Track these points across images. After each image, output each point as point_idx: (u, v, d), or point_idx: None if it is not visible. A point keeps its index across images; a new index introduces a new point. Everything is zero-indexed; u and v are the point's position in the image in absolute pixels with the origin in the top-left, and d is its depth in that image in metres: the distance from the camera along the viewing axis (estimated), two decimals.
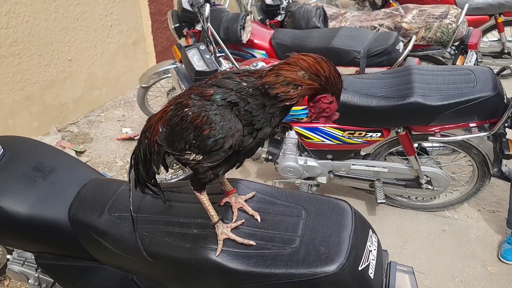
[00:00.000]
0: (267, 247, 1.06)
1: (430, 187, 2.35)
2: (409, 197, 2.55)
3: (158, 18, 4.44)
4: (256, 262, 1.03)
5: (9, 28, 3.03)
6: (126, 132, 3.60)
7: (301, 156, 2.44)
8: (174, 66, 2.43)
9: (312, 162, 2.41)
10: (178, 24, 2.97)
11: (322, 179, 2.45)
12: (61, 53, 3.51)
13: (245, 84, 0.94)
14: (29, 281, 1.54)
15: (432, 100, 1.94)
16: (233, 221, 1.12)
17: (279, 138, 2.53)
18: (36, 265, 1.48)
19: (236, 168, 1.06)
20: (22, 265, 1.52)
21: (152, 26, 4.42)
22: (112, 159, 3.27)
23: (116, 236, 1.17)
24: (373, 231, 1.15)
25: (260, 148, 2.13)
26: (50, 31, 3.36)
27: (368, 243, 1.09)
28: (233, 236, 1.07)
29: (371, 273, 1.05)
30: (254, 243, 1.06)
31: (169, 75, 3.18)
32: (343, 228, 1.08)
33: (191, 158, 0.97)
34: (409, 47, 2.60)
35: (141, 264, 1.16)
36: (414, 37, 2.73)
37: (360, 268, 1.03)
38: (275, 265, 1.02)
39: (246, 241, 1.06)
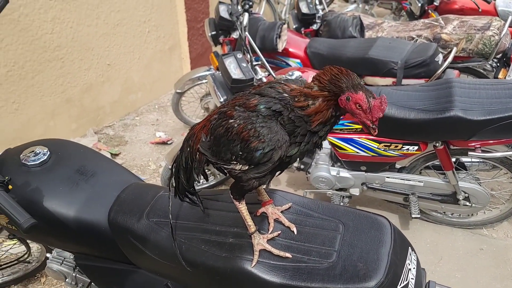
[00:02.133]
0: (303, 260, 1.05)
1: (468, 203, 2.28)
2: (444, 212, 2.48)
3: (194, 25, 4.52)
4: (292, 275, 1.02)
5: (54, 33, 3.15)
6: (160, 136, 3.67)
7: (334, 166, 2.41)
8: (210, 73, 2.46)
9: (345, 173, 2.38)
10: (214, 32, 3.01)
11: (355, 191, 2.42)
12: (100, 57, 3.61)
13: (286, 95, 0.94)
14: (67, 280, 1.58)
15: (473, 114, 1.89)
16: (269, 232, 1.12)
17: (312, 148, 2.51)
18: (74, 265, 1.52)
19: (278, 175, 1.07)
20: (61, 264, 1.56)
21: (188, 33, 4.49)
22: (146, 162, 3.33)
23: (154, 241, 1.19)
24: (412, 249, 1.13)
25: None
26: (91, 37, 3.47)
27: (407, 261, 1.07)
28: (269, 247, 1.07)
29: None
30: (290, 256, 1.05)
31: (204, 81, 3.22)
32: (382, 244, 1.05)
33: (237, 168, 0.97)
34: (449, 59, 2.54)
35: (176, 271, 1.17)
36: (454, 49, 2.67)
37: (399, 287, 1.00)
38: (311, 279, 1.00)
39: (282, 253, 1.06)
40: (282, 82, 0.99)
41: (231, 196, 1.07)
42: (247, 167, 0.96)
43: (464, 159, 2.34)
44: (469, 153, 2.05)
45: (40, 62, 3.11)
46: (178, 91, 3.37)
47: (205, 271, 1.11)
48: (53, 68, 3.22)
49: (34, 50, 3.04)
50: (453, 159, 2.27)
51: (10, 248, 2.01)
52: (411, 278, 1.05)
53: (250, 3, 2.40)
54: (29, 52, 3.01)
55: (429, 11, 4.00)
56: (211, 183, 2.85)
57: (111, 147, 3.50)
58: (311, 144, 0.95)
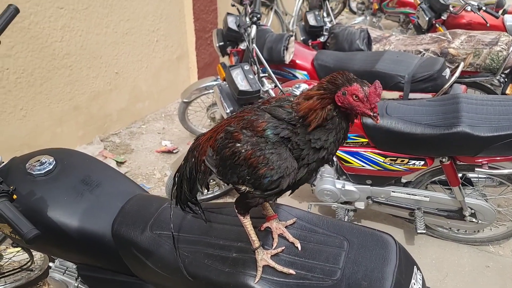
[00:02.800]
0: (307, 277, 1.04)
1: (474, 220, 2.26)
2: (450, 228, 2.46)
3: (202, 35, 4.55)
4: None
5: (63, 41, 3.18)
6: (166, 145, 3.68)
7: (339, 179, 2.40)
8: (217, 83, 2.48)
9: (350, 187, 2.36)
10: (222, 43, 3.03)
11: (360, 205, 2.40)
12: (109, 66, 3.64)
13: (295, 113, 0.94)
14: None
15: (481, 130, 1.87)
16: (273, 247, 1.11)
17: None
18: (76, 275, 1.51)
19: (289, 195, 1.07)
20: (63, 274, 1.55)
21: (196, 43, 4.52)
22: (151, 171, 3.34)
23: (157, 254, 1.19)
24: (418, 268, 1.11)
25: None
26: (100, 45, 3.50)
27: (413, 281, 1.05)
28: (273, 263, 1.06)
29: None
30: (294, 272, 1.05)
31: (210, 91, 3.23)
32: (387, 263, 1.04)
33: (242, 189, 0.97)
34: (456, 74, 2.54)
35: (179, 284, 1.16)
36: (462, 64, 2.66)
37: None
38: None
39: (285, 270, 1.05)
40: (292, 99, 0.98)
41: (236, 211, 1.07)
42: (253, 190, 0.95)
43: (470, 174, 2.32)
44: (476, 169, 2.04)
45: (48, 70, 3.13)
46: (184, 100, 3.38)
47: (208, 286, 1.10)
48: (61, 75, 3.24)
49: (43, 57, 3.07)
50: (460, 175, 2.26)
51: (13, 256, 2.01)
52: None
53: (258, 16, 2.42)
54: (38, 60, 3.04)
55: (437, 25, 4.00)
56: (216, 193, 2.85)
57: (117, 155, 3.51)
58: (319, 161, 0.94)
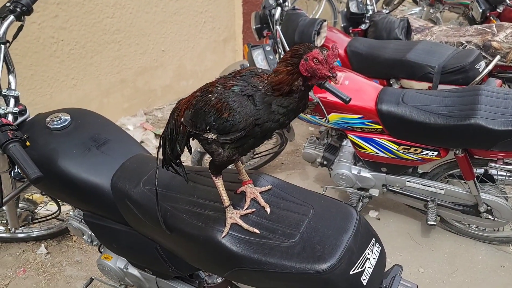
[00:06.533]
0: (268, 237, 1.13)
1: (490, 217, 2.20)
2: (468, 224, 2.40)
3: (249, 19, 4.62)
4: (255, 249, 1.11)
5: (114, 17, 3.42)
6: None
7: (356, 165, 2.43)
8: (241, 63, 2.57)
9: (365, 173, 2.38)
10: (259, 25, 3.10)
11: (375, 192, 2.41)
12: (156, 43, 3.85)
13: (261, 84, 1.03)
14: (84, 237, 1.77)
15: (495, 124, 1.83)
16: (244, 208, 1.20)
17: (337, 145, 2.54)
18: None
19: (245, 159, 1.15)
20: (80, 222, 1.75)
21: (243, 26, 4.63)
22: None
23: (145, 206, 1.32)
24: (377, 241, 1.16)
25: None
26: (149, 23, 3.71)
27: (368, 251, 1.11)
28: (240, 222, 1.16)
29: (364, 279, 1.07)
30: (258, 232, 1.14)
31: None
32: (344, 232, 1.10)
33: (209, 137, 1.09)
34: (489, 67, 2.43)
35: (161, 235, 1.29)
36: (497, 57, 2.55)
37: (352, 272, 1.05)
38: (271, 255, 1.08)
39: (251, 229, 1.14)
40: (259, 72, 1.08)
41: (209, 171, 1.17)
42: (217, 136, 1.06)
43: (492, 171, 2.25)
44: (490, 164, 1.98)
45: (99, 43, 3.39)
46: None
47: (182, 237, 1.22)
48: (111, 50, 3.49)
49: (95, 32, 3.33)
50: (481, 171, 2.21)
51: (46, 205, 2.26)
52: (368, 267, 1.09)
53: None
54: (90, 34, 3.30)
55: (491, 17, 3.81)
56: (255, 165, 2.98)
57: (156, 128, 3.73)
58: (275, 122, 1.03)
